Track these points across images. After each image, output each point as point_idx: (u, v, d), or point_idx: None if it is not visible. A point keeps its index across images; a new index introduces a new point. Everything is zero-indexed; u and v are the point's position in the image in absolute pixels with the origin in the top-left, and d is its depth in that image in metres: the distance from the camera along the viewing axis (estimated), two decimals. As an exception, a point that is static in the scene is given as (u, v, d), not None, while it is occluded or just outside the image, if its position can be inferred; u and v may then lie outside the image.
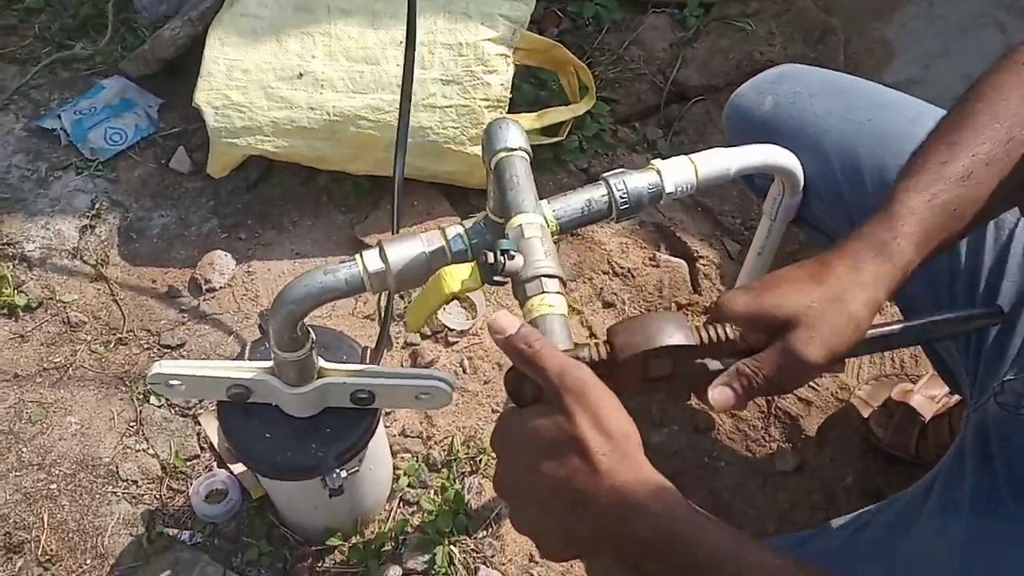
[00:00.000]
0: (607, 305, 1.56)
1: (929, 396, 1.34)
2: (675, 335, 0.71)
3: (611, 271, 1.58)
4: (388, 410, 1.40)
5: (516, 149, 0.85)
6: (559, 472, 0.62)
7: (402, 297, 1.51)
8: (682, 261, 1.61)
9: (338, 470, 1.09)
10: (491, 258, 0.75)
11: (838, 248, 0.77)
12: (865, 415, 1.38)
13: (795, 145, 1.04)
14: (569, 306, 1.53)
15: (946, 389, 1.35)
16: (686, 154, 0.99)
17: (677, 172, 0.99)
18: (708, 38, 1.85)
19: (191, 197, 1.69)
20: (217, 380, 1.07)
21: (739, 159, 1.04)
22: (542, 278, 0.76)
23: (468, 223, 0.94)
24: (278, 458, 1.10)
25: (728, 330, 0.74)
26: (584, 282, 1.57)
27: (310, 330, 1.02)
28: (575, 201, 0.94)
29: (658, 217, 1.65)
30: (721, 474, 1.41)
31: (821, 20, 1.85)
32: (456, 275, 0.79)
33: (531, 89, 1.74)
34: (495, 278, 0.76)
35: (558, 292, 0.75)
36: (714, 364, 0.75)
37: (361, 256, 0.92)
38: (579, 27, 1.90)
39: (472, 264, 0.80)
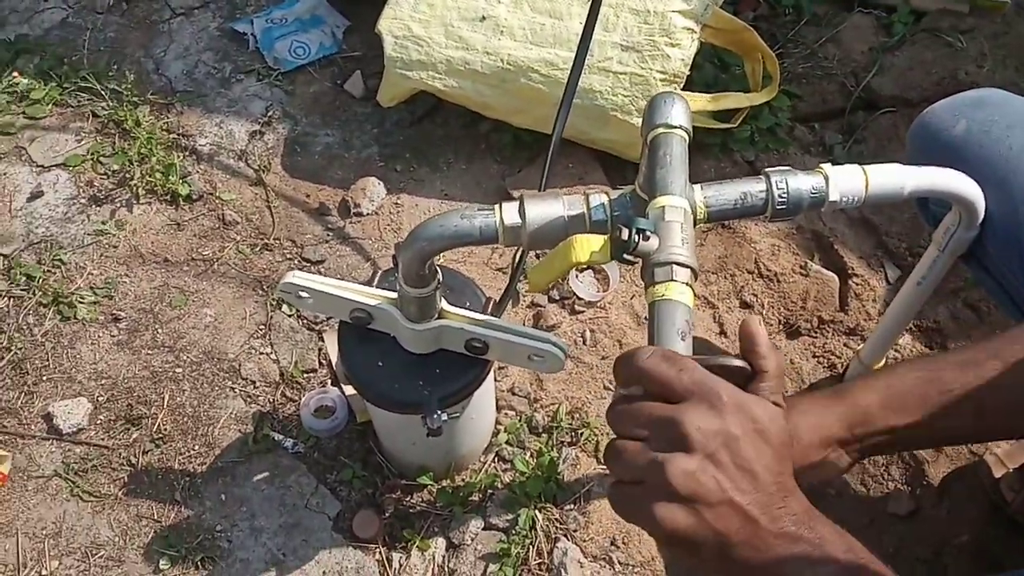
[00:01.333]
0: (745, 305, 1.50)
1: (1073, 470, 1.23)
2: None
3: (756, 271, 1.52)
4: (501, 364, 1.40)
5: (676, 127, 0.81)
6: (766, 460, 0.62)
7: (537, 256, 1.50)
8: (834, 275, 1.53)
9: (439, 412, 1.09)
10: (625, 234, 0.73)
11: None
12: (997, 475, 1.28)
13: (980, 177, 0.96)
14: (705, 299, 1.48)
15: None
16: (863, 164, 0.93)
17: (846, 180, 0.92)
18: (912, 47, 1.73)
19: (357, 121, 1.72)
20: (343, 300, 1.09)
21: (917, 179, 0.96)
22: (674, 265, 0.72)
23: (614, 194, 0.91)
24: (385, 387, 1.11)
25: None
26: (726, 277, 1.52)
27: (439, 270, 1.02)
28: (730, 191, 0.89)
29: (817, 224, 1.57)
30: (829, 503, 1.34)
31: (1042, 48, 1.71)
32: (586, 245, 0.77)
33: (712, 69, 1.68)
34: (625, 256, 0.73)
35: (687, 283, 0.72)
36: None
37: (500, 207, 0.91)
38: (777, 14, 1.82)
39: (605, 237, 0.77)
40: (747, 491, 0.60)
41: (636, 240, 0.72)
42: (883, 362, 1.36)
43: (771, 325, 1.50)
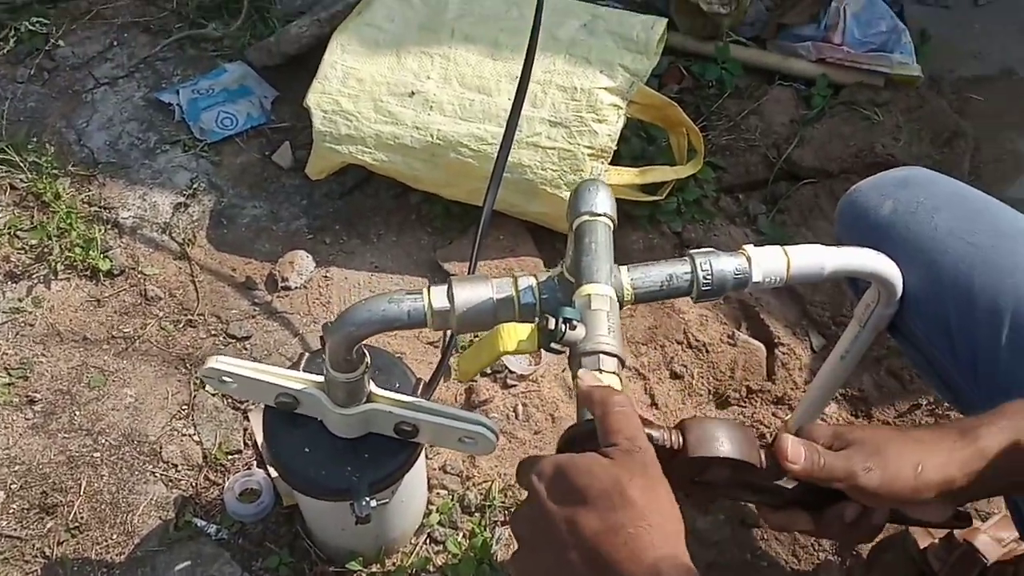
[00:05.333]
0: (675, 376, 1.51)
1: (996, 538, 1.25)
2: (744, 451, 0.72)
3: (686, 342, 1.53)
4: (434, 442, 1.38)
5: (601, 215, 0.82)
6: (598, 525, 0.59)
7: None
8: (761, 345, 1.55)
9: (368, 498, 1.07)
10: (552, 324, 0.73)
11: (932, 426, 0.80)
12: (923, 545, 1.29)
13: (907, 258, 0.98)
14: (636, 370, 1.49)
15: (1015, 534, 1.25)
16: (786, 234, 0.95)
17: (768, 262, 0.94)
18: (831, 120, 1.79)
19: (286, 193, 1.71)
20: (267, 385, 1.07)
21: (836, 259, 0.98)
22: (601, 355, 0.72)
23: (541, 276, 0.91)
24: (312, 474, 1.08)
25: None
26: (655, 348, 1.52)
27: (366, 353, 1.00)
28: (656, 274, 0.90)
29: (744, 295, 1.60)
30: (760, 575, 1.34)
31: (953, 122, 1.77)
32: (513, 335, 0.76)
33: (639, 143, 1.71)
34: (552, 345, 0.73)
35: (614, 372, 0.72)
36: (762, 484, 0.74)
37: (428, 291, 0.90)
38: (700, 87, 1.87)
39: (532, 326, 0.77)
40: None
41: (563, 330, 0.72)
42: (811, 432, 1.37)
43: (701, 395, 1.50)
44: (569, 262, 0.90)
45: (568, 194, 1.49)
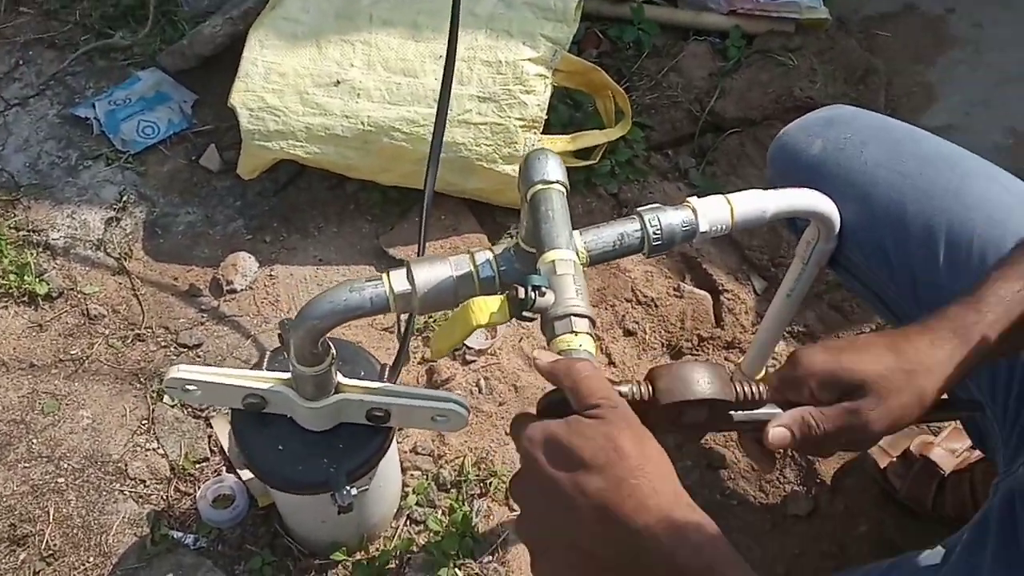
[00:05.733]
0: (628, 333, 1.54)
1: (950, 449, 1.32)
2: (716, 388, 0.74)
3: (634, 299, 1.57)
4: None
5: (554, 182, 0.84)
6: (600, 483, 0.61)
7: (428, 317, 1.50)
8: (706, 294, 1.59)
9: (348, 487, 1.08)
10: (521, 293, 0.74)
11: (920, 324, 0.80)
12: (883, 465, 1.36)
13: (841, 193, 1.02)
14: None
15: (968, 443, 1.32)
16: (718, 184, 0.98)
17: (713, 211, 0.97)
18: (748, 70, 1.83)
19: (219, 196, 1.69)
20: (233, 388, 1.06)
21: (776, 202, 1.02)
22: (572, 317, 0.74)
23: (498, 249, 0.93)
24: (289, 471, 1.09)
25: (761, 388, 0.78)
26: (606, 309, 1.55)
27: (331, 345, 1.01)
28: (607, 234, 0.93)
29: (685, 247, 1.63)
30: (732, 513, 1.39)
31: (864, 60, 1.83)
32: (484, 308, 0.78)
33: (566, 110, 1.73)
34: (524, 313, 0.75)
35: (587, 333, 0.74)
36: (740, 415, 0.77)
37: (388, 275, 0.91)
38: (619, 50, 1.89)
39: (501, 297, 0.78)
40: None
41: (533, 297, 0.74)
42: (763, 372, 1.42)
43: (655, 349, 1.54)
44: (524, 232, 0.92)
45: (504, 167, 1.52)
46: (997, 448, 0.99)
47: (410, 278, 0.90)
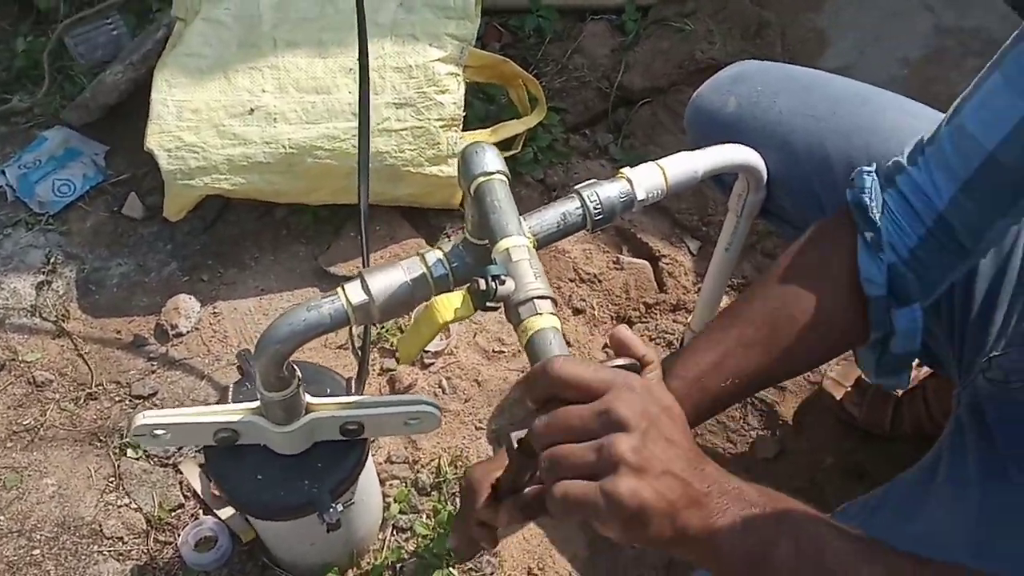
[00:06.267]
0: (577, 312, 1.57)
1: (900, 372, 1.37)
2: None
3: (577, 278, 1.60)
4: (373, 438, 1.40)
5: (494, 173, 0.86)
6: (679, 434, 0.66)
7: (377, 326, 1.51)
8: (645, 262, 1.63)
9: (334, 504, 1.08)
10: (482, 284, 0.76)
11: None
12: (838, 396, 1.41)
13: (762, 144, 1.06)
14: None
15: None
16: (638, 155, 1.02)
17: (647, 179, 1.00)
18: (648, 41, 1.88)
19: (148, 243, 1.66)
20: (203, 425, 1.06)
21: (705, 161, 1.06)
22: (535, 300, 0.76)
23: (447, 247, 0.94)
24: (272, 499, 1.09)
25: None
26: (553, 290, 1.58)
27: (295, 367, 1.01)
28: (550, 216, 0.95)
29: (618, 220, 1.67)
30: (706, 468, 1.43)
31: (756, 14, 1.89)
32: (448, 304, 0.79)
33: (481, 105, 1.75)
34: (488, 304, 0.77)
35: (552, 312, 0.76)
36: None
37: (343, 289, 0.92)
38: (520, 40, 1.92)
39: (462, 292, 0.80)
40: (677, 459, 0.65)
41: (495, 287, 0.76)
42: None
43: (605, 323, 1.57)
44: (471, 226, 0.93)
45: (431, 169, 1.53)
46: (949, 363, 1.04)
47: (365, 288, 0.91)
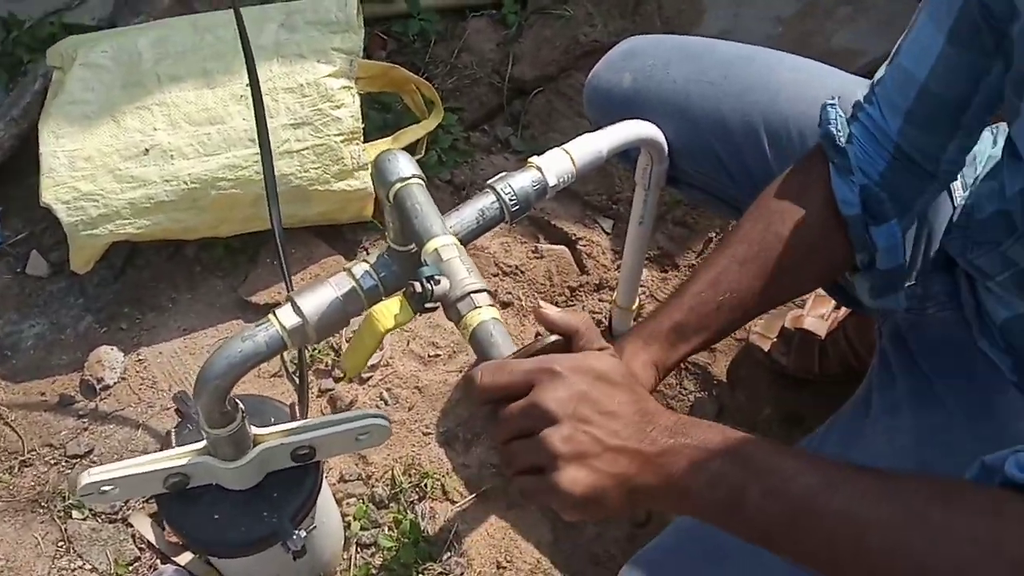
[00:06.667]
0: (505, 305, 1.59)
1: (819, 316, 1.44)
2: None
3: (500, 272, 1.62)
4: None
5: (410, 177, 0.87)
6: (619, 398, 0.67)
7: (310, 348, 1.50)
8: (563, 247, 1.66)
9: (296, 531, 1.08)
10: (418, 287, 0.77)
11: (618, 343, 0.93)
12: (766, 348, 1.47)
13: (661, 115, 1.09)
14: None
15: (832, 306, 1.44)
16: (539, 144, 1.04)
17: (556, 164, 1.03)
18: (531, 31, 1.90)
19: (58, 299, 1.62)
20: (152, 474, 1.04)
21: (608, 139, 1.09)
22: (471, 295, 0.78)
23: (372, 258, 0.95)
24: (234, 536, 1.08)
25: None
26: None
27: (238, 401, 1.01)
28: (468, 213, 0.97)
29: (532, 210, 1.69)
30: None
31: (631, -8, 1.94)
32: (387, 312, 0.80)
33: (378, 115, 1.75)
34: (427, 305, 0.78)
35: (490, 304, 0.78)
36: None
37: (275, 315, 0.92)
38: (405, 45, 1.92)
39: (398, 298, 0.81)
40: (618, 430, 0.67)
41: (430, 288, 0.77)
42: (637, 301, 1.50)
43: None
44: (393, 234, 0.94)
45: (338, 185, 1.53)
46: (865, 300, 1.09)
47: (297, 311, 0.91)
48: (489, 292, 0.79)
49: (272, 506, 1.09)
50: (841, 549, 0.64)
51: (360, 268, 0.94)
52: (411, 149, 1.68)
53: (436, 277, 0.78)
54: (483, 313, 0.77)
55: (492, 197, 0.98)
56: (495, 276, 1.61)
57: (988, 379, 0.92)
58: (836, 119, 0.90)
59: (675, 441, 0.67)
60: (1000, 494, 0.61)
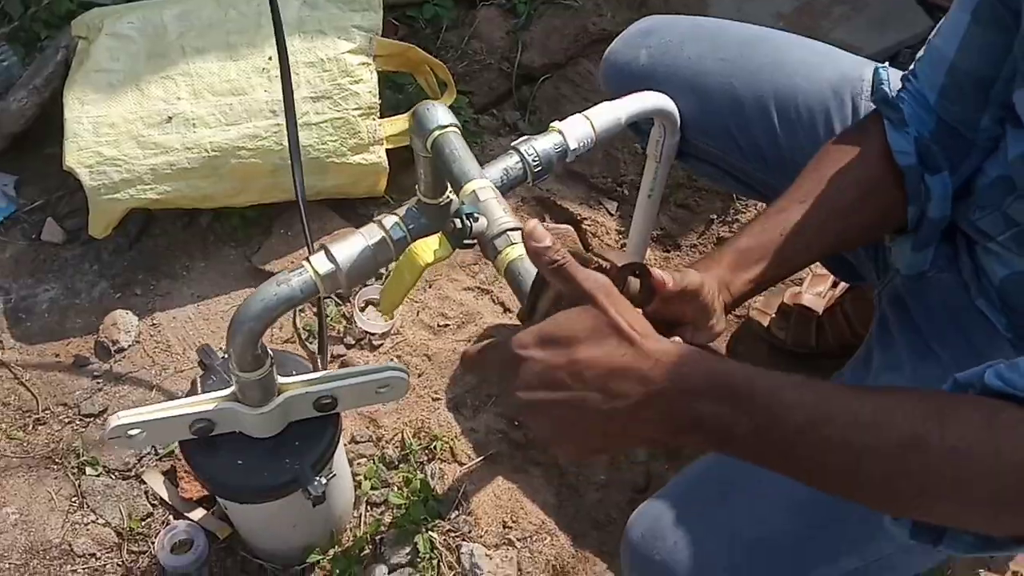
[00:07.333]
0: (512, 280, 1.63)
1: (816, 293, 1.49)
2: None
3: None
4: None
5: (448, 126, 0.91)
6: (595, 353, 0.65)
7: (341, 301, 1.53)
8: (568, 226, 1.70)
9: (317, 478, 1.12)
10: (458, 223, 0.81)
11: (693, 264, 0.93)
12: (765, 324, 1.52)
13: (676, 89, 1.14)
14: (479, 288, 1.60)
15: (830, 284, 1.50)
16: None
17: (577, 129, 1.08)
18: (541, 20, 1.95)
19: (72, 266, 1.65)
20: (179, 418, 1.08)
21: (626, 108, 1.13)
22: (508, 232, 0.82)
23: (401, 211, 0.99)
24: (257, 481, 1.11)
25: None
26: (486, 264, 1.64)
27: (267, 347, 1.04)
28: (493, 172, 1.01)
29: (536, 191, 1.74)
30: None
31: (640, -16, 1.99)
32: (426, 247, 0.84)
33: (391, 94, 1.79)
34: (465, 242, 0.82)
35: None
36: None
37: (309, 261, 0.96)
38: (417, 31, 1.97)
39: (438, 235, 0.85)
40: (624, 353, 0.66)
41: (469, 225, 0.81)
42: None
43: (538, 288, 1.64)
44: (424, 187, 0.99)
45: (355, 158, 1.57)
46: (867, 269, 1.15)
47: (330, 257, 0.96)
48: (523, 230, 0.84)
49: (294, 454, 1.12)
50: (838, 477, 0.66)
51: (390, 220, 0.98)
52: (423, 129, 1.72)
53: (475, 215, 0.82)
54: (519, 249, 0.81)
55: (516, 158, 1.03)
56: (503, 252, 1.65)
57: (984, 337, 0.97)
58: (888, 80, 0.95)
59: (669, 383, 0.65)
60: (993, 404, 0.63)
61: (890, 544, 0.93)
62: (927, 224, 0.95)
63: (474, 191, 0.86)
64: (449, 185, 0.92)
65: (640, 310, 0.74)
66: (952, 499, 0.65)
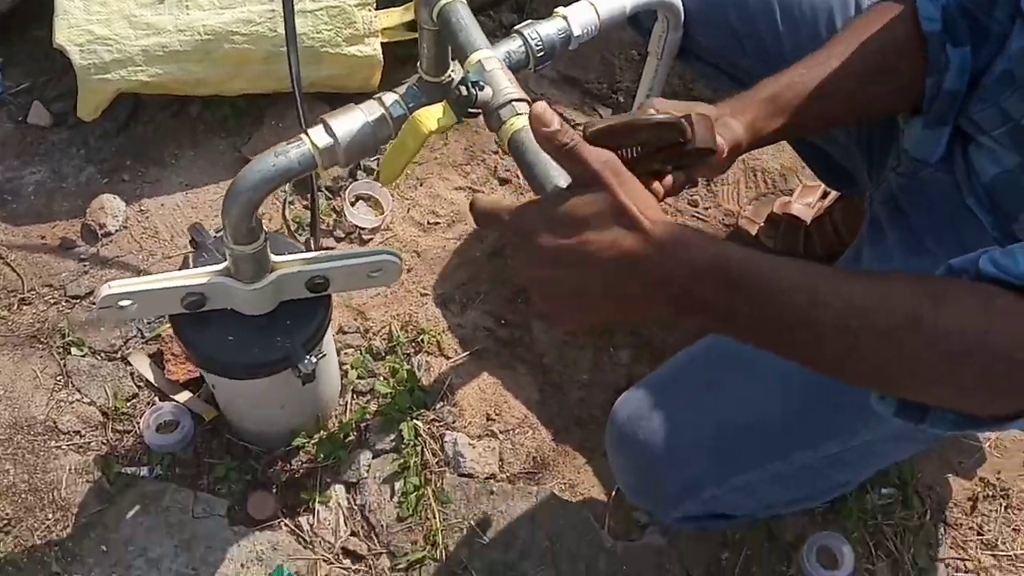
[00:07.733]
0: (503, 182, 1.63)
1: (806, 203, 1.50)
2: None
3: (500, 150, 1.65)
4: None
5: (455, -4, 0.90)
6: (604, 238, 0.66)
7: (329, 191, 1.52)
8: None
9: (308, 356, 1.12)
10: (463, 91, 0.81)
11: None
12: (754, 232, 1.53)
13: None
14: (469, 188, 1.60)
15: (819, 194, 1.51)
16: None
17: (582, 16, 1.07)
18: (539, -79, 1.92)
19: (59, 149, 1.63)
20: (171, 291, 1.07)
21: (630, -1, 1.12)
22: (513, 102, 0.82)
23: (402, 88, 0.99)
24: (248, 357, 1.12)
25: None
26: (478, 164, 1.63)
27: (261, 221, 1.04)
28: (496, 54, 1.00)
29: (528, 94, 1.72)
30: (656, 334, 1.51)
31: None
32: (431, 115, 0.84)
33: (388, -12, 1.76)
34: (470, 110, 0.82)
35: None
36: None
37: (308, 134, 0.95)
38: (414, -72, 1.93)
39: (442, 104, 0.85)
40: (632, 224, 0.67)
41: (475, 93, 0.81)
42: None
43: (529, 192, 1.64)
44: (427, 63, 0.98)
45: (349, 49, 1.55)
46: (860, 172, 1.15)
47: (329, 131, 0.95)
48: (528, 102, 0.83)
49: (285, 332, 1.13)
50: (833, 357, 0.67)
51: (390, 97, 0.97)
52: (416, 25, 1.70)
53: (480, 83, 0.82)
54: (523, 120, 0.81)
55: (519, 41, 1.02)
56: (495, 154, 1.65)
57: (974, 235, 0.98)
58: None
59: (674, 267, 0.66)
60: (988, 289, 0.64)
61: (871, 431, 0.95)
62: (942, 97, 0.95)
63: (480, 60, 0.85)
64: (454, 55, 0.91)
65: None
66: (944, 381, 0.66)
